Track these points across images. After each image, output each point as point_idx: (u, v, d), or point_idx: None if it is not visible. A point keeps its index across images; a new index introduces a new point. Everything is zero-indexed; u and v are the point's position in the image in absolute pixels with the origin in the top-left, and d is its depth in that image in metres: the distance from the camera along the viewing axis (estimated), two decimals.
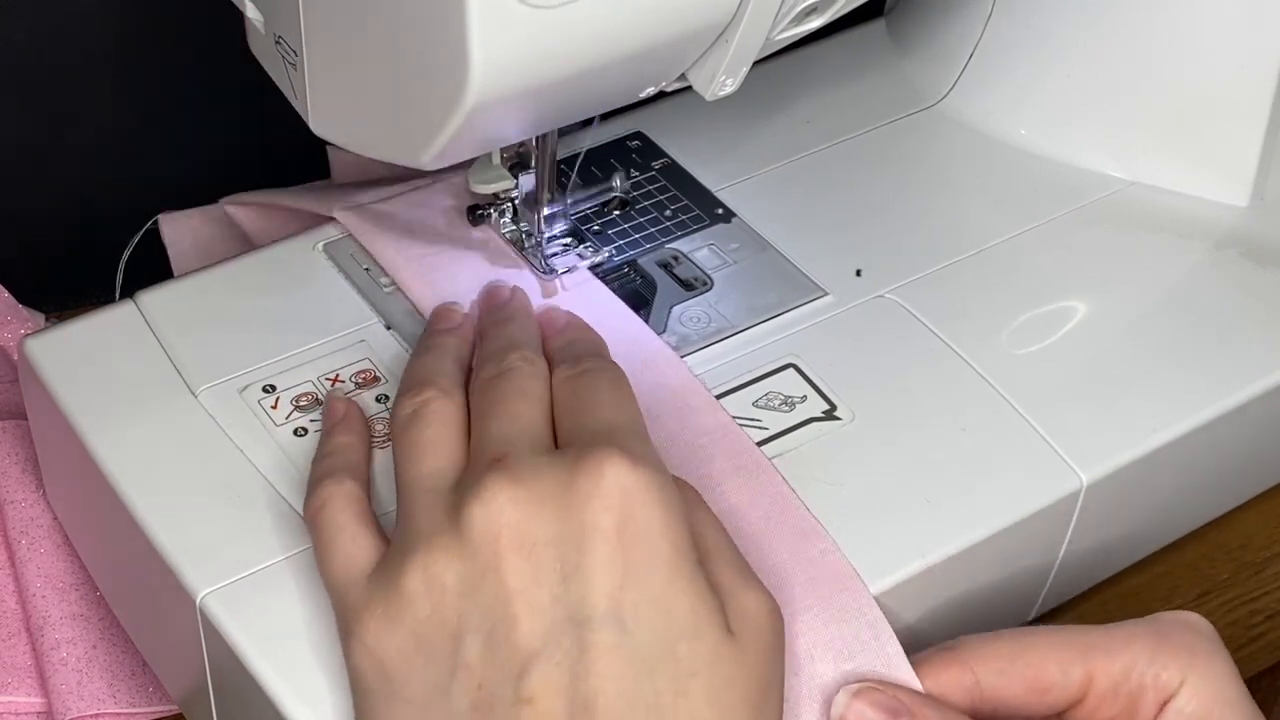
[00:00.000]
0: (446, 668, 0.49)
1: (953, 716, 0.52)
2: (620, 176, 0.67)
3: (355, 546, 0.53)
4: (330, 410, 0.59)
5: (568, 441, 0.52)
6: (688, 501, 0.53)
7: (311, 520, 0.54)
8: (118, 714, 0.63)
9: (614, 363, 0.57)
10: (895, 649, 0.54)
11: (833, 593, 0.55)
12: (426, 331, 0.61)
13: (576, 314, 0.61)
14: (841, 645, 0.54)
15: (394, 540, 0.52)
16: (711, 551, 0.52)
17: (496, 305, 0.61)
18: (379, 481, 0.57)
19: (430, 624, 0.49)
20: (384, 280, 0.64)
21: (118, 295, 0.77)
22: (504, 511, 0.49)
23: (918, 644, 0.55)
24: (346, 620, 0.51)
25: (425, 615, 0.49)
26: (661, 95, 0.58)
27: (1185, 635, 0.53)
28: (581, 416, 0.53)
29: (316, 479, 0.55)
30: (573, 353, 0.57)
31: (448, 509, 0.51)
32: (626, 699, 0.47)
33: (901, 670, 0.53)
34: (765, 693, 0.50)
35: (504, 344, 0.57)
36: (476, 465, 0.52)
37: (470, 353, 0.60)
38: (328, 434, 0.58)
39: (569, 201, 0.65)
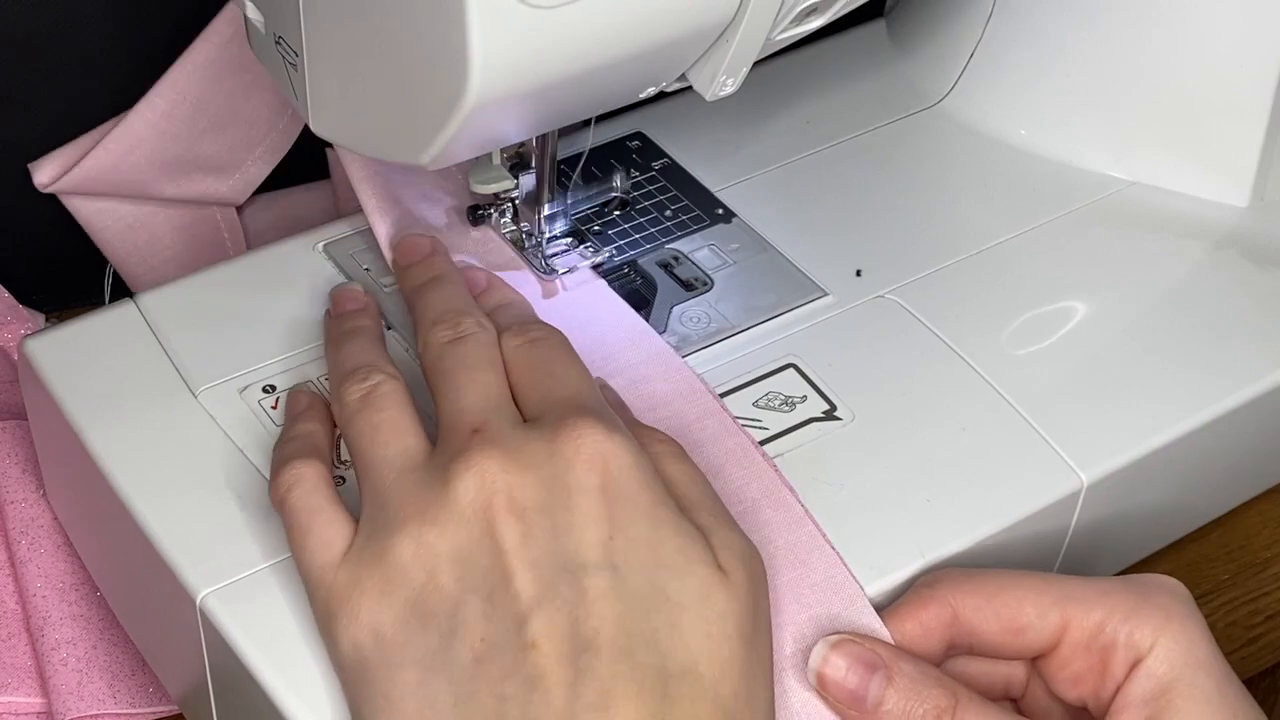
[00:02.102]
0: (446, 629, 0.49)
1: (930, 672, 0.52)
2: (621, 176, 0.67)
3: (331, 530, 0.53)
4: (293, 402, 0.59)
5: (538, 413, 0.53)
6: (671, 453, 0.55)
7: (280, 504, 0.54)
8: (118, 714, 0.63)
9: (553, 327, 0.58)
10: (870, 614, 0.54)
11: (821, 580, 0.55)
12: (335, 315, 0.61)
13: (495, 275, 0.62)
14: (816, 608, 0.55)
15: (367, 520, 0.52)
16: (693, 499, 0.53)
17: (419, 259, 0.61)
18: None
19: (426, 592, 0.50)
20: (384, 280, 0.64)
21: (107, 298, 0.77)
22: (495, 480, 0.50)
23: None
24: (332, 601, 0.51)
25: (420, 584, 0.50)
26: (661, 95, 0.58)
27: (1161, 597, 0.53)
28: (546, 389, 0.55)
29: (280, 462, 0.55)
30: (511, 317, 0.58)
31: (430, 482, 0.51)
32: (626, 633, 0.49)
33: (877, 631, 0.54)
34: (756, 625, 0.51)
35: (451, 306, 0.58)
36: (455, 436, 0.52)
37: (382, 328, 0.60)
38: (290, 422, 0.58)
39: (569, 201, 0.65)
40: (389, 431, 0.54)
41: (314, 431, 0.57)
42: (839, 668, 0.53)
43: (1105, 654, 0.53)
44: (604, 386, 0.59)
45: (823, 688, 0.53)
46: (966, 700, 0.52)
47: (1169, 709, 0.52)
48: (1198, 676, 0.52)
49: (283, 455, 0.56)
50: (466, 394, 0.54)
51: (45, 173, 0.74)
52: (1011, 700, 0.57)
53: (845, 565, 0.56)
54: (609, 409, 0.54)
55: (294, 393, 0.60)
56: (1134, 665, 0.52)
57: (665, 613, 0.49)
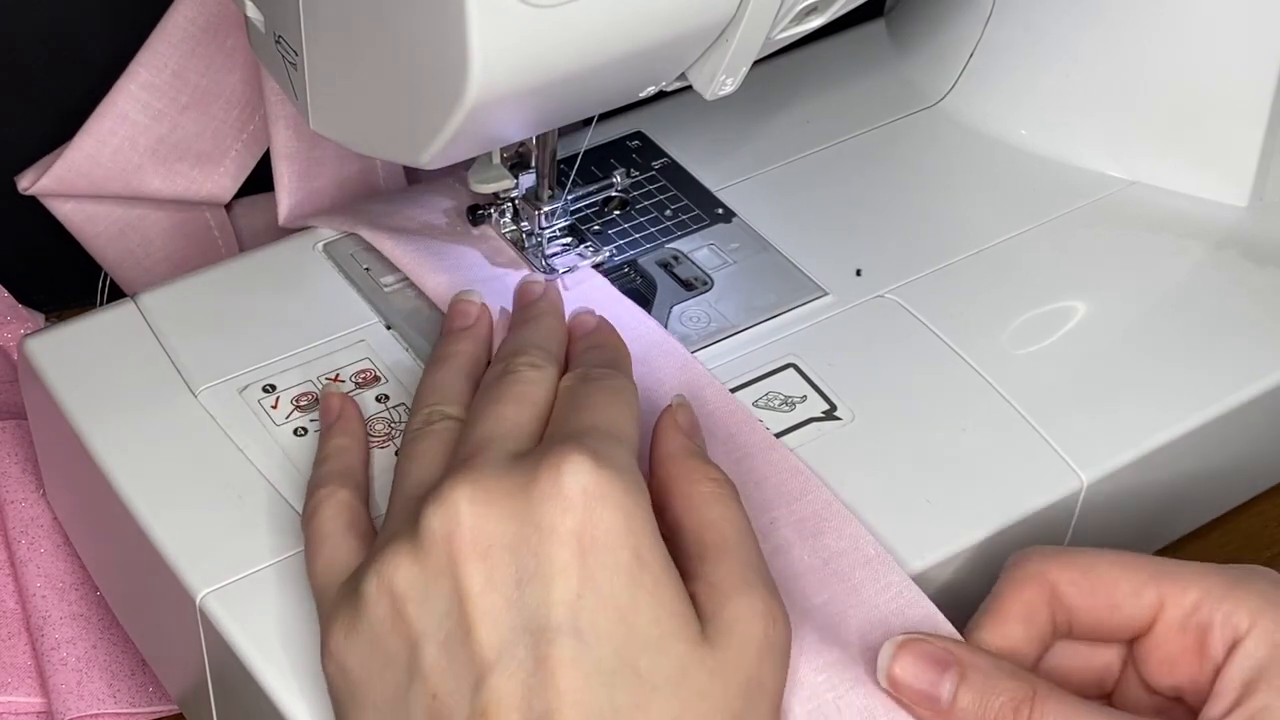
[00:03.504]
0: (405, 675, 0.48)
1: (1003, 664, 0.51)
2: (621, 174, 0.67)
3: (336, 554, 0.52)
4: (326, 407, 0.59)
5: (545, 444, 0.51)
6: (715, 495, 0.52)
7: (304, 527, 0.54)
8: (118, 714, 0.63)
9: (625, 375, 0.55)
10: (931, 609, 0.53)
11: (854, 566, 0.55)
12: (444, 332, 0.60)
13: (607, 320, 0.60)
14: (878, 616, 0.54)
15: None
16: (722, 549, 0.50)
17: (525, 304, 0.60)
18: (379, 482, 0.57)
19: (387, 630, 0.48)
20: (384, 280, 0.64)
21: (99, 298, 0.77)
22: (459, 512, 0.48)
23: None
24: (320, 625, 0.51)
25: (381, 621, 0.49)
26: (661, 95, 0.58)
27: (1259, 582, 0.52)
28: (564, 420, 0.52)
29: (312, 485, 0.55)
30: (587, 360, 0.56)
31: (413, 515, 0.50)
32: (584, 713, 0.46)
33: (943, 629, 0.53)
34: (749, 701, 0.48)
35: (517, 347, 0.56)
36: (448, 468, 0.51)
37: (487, 356, 0.59)
38: (325, 435, 0.58)
39: (569, 198, 0.65)
40: (416, 460, 0.53)
41: (345, 448, 0.57)
42: (909, 667, 0.51)
43: (1202, 634, 0.52)
44: (681, 405, 0.56)
45: (894, 688, 0.51)
46: (1045, 690, 0.50)
47: (1265, 690, 0.50)
48: None
49: (314, 478, 0.56)
50: (479, 426, 0.52)
51: (27, 177, 0.74)
52: (1104, 697, 0.55)
53: (901, 571, 0.55)
54: (621, 445, 0.50)
55: (326, 394, 0.59)
56: (1233, 647, 0.51)
57: (632, 692, 0.46)
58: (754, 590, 0.50)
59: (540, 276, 0.62)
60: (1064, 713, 0.50)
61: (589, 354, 0.57)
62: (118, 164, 0.73)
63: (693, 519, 0.51)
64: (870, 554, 0.55)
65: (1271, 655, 0.51)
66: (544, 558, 0.47)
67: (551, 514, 0.47)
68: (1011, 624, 0.53)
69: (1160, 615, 0.52)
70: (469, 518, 0.48)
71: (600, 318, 0.60)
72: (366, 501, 0.56)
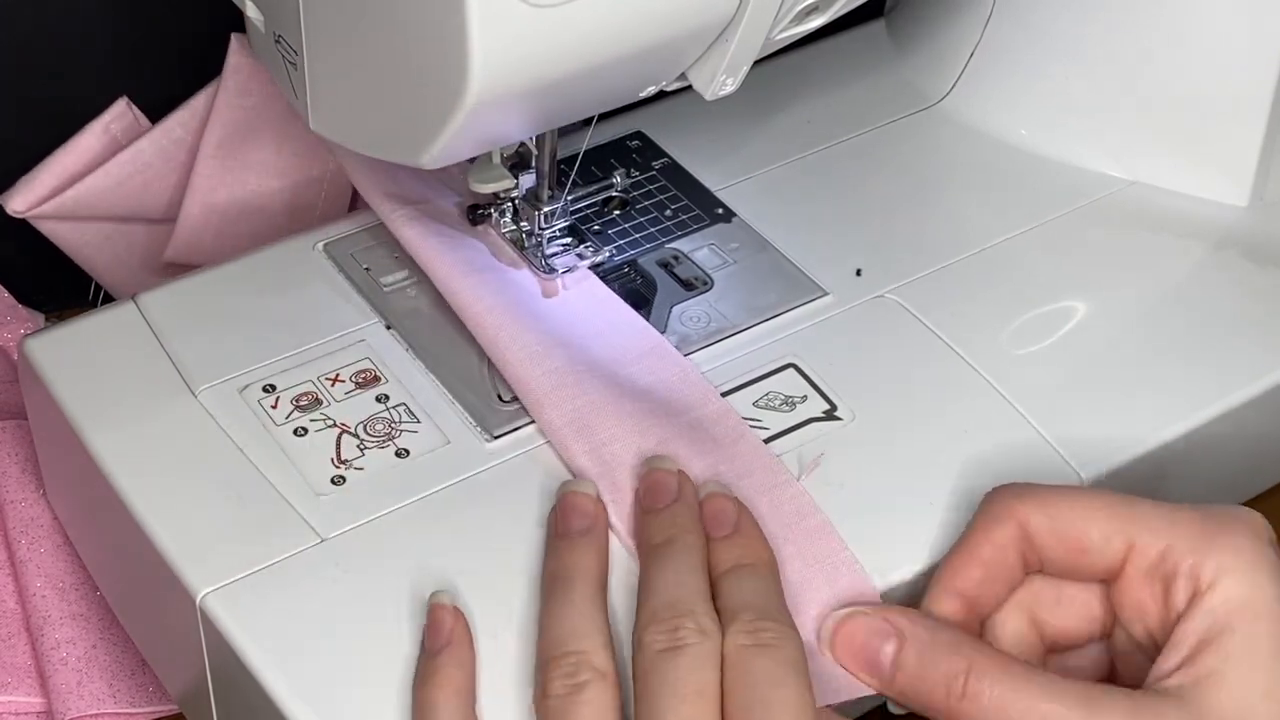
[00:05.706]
0: None
1: (943, 636, 0.51)
2: (621, 174, 0.67)
3: None
4: (435, 623, 0.53)
5: None
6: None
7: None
8: (118, 714, 0.63)
9: (789, 626, 0.52)
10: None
11: (832, 578, 0.55)
12: (558, 534, 0.55)
13: (746, 510, 0.56)
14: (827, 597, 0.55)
15: None
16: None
17: (665, 504, 0.55)
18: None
19: None
20: (384, 280, 0.64)
21: (90, 298, 0.77)
22: None
23: None
24: None
25: None
26: (661, 95, 0.58)
27: (1234, 534, 0.51)
28: (751, 716, 0.49)
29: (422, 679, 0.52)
30: (747, 597, 0.53)
31: None
32: None
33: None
34: None
35: (675, 597, 0.52)
36: None
37: (608, 550, 0.55)
38: (433, 654, 0.53)
39: (569, 198, 0.65)
40: None
41: (459, 659, 0.53)
42: (850, 639, 0.52)
43: (1167, 583, 0.51)
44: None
45: (836, 658, 0.53)
46: (983, 663, 0.50)
47: (1216, 653, 0.49)
48: (1256, 626, 0.49)
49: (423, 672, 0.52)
50: None
51: (20, 200, 0.74)
52: (1104, 639, 0.55)
53: (853, 556, 0.56)
54: None
55: (433, 606, 0.54)
56: (1194, 598, 0.50)
57: None
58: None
59: (671, 466, 0.57)
60: (1002, 683, 0.50)
61: (738, 585, 0.53)
62: (129, 200, 0.74)
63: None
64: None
65: (1229, 615, 0.50)
66: None
67: None
68: (975, 567, 0.53)
69: (1129, 561, 0.52)
70: None
71: (738, 506, 0.56)
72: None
